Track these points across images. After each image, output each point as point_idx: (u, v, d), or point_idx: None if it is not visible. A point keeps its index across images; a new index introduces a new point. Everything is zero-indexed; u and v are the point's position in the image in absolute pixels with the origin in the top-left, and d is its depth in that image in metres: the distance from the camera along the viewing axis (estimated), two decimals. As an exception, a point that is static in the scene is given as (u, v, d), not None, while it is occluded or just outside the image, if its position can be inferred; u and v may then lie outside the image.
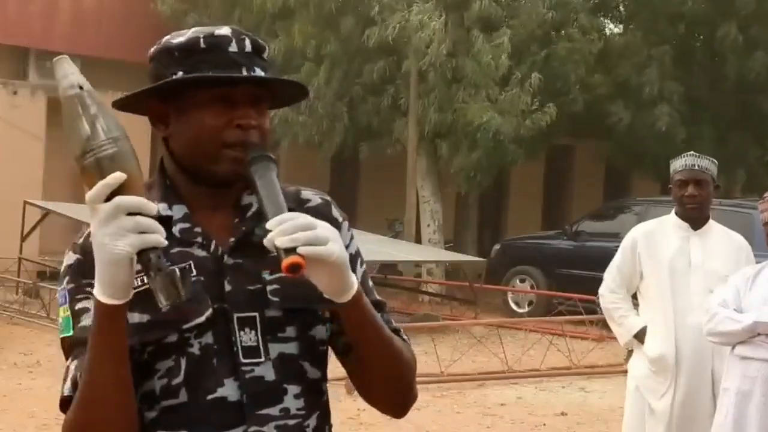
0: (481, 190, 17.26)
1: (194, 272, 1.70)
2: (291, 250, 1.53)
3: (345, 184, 19.21)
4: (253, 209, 1.76)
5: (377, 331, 1.70)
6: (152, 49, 1.76)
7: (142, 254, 1.52)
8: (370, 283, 1.84)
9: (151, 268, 1.52)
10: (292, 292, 1.71)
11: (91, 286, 1.62)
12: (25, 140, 16.10)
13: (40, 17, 16.66)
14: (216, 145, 1.70)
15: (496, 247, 15.97)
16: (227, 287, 1.71)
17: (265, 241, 1.55)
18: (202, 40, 1.72)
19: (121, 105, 1.77)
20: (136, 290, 1.64)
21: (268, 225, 1.56)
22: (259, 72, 1.73)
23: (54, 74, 1.58)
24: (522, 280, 15.01)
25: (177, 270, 1.54)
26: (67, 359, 1.70)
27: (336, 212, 1.82)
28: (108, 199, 1.51)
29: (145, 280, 1.60)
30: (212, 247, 1.72)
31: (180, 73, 1.70)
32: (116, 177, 1.51)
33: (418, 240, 16.31)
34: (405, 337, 1.81)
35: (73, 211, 13.27)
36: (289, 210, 1.61)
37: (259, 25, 15.75)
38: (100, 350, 1.58)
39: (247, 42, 1.74)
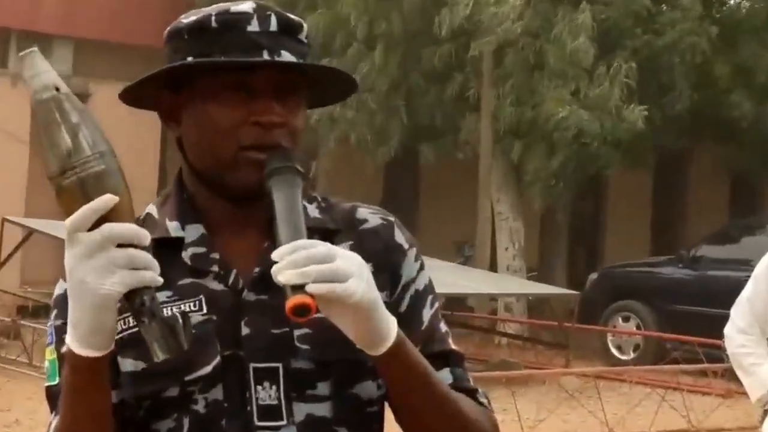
0: (564, 203, 17.17)
1: (205, 309, 1.71)
2: (299, 288, 1.53)
3: (401, 196, 19.20)
4: None
5: (426, 393, 1.69)
6: (165, 32, 1.80)
7: (134, 295, 1.53)
8: (443, 327, 1.83)
9: (145, 313, 1.52)
10: (327, 338, 1.70)
11: None
12: (3, 142, 16.30)
13: (25, -9, 16.90)
14: (231, 148, 1.71)
15: (593, 276, 15.99)
16: (244, 330, 1.71)
17: (272, 275, 1.56)
18: (213, 18, 1.74)
19: (127, 98, 1.80)
20: (128, 331, 1.67)
21: (275, 254, 1.55)
22: (287, 56, 1.73)
23: (26, 70, 1.57)
24: (626, 319, 14.97)
25: (179, 316, 1.55)
26: (51, 412, 1.72)
27: (400, 237, 1.83)
28: (93, 227, 1.52)
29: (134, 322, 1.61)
30: (231, 279, 1.73)
31: (190, 59, 1.73)
32: (106, 200, 1.52)
33: (493, 267, 16.33)
34: (484, 400, 1.80)
35: (62, 231, 13.38)
36: (311, 236, 1.61)
37: (296, -3, 15.87)
38: (77, 411, 1.61)
39: (273, 19, 1.75)
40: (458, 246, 18.05)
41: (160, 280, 1.54)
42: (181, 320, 1.54)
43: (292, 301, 1.52)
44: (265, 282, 1.70)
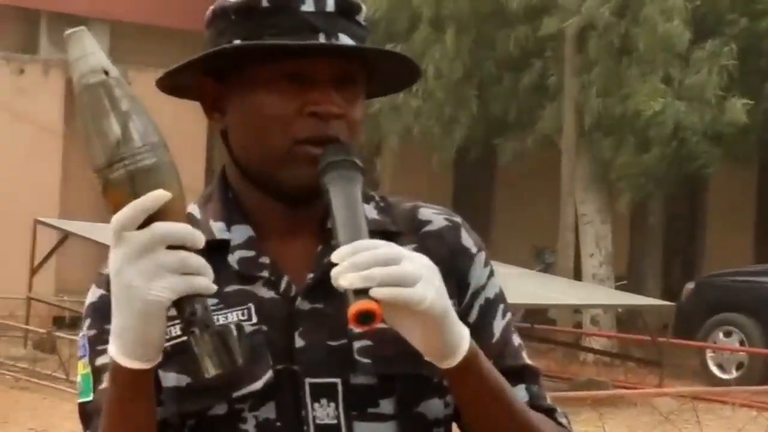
0: (656, 204, 17.04)
1: (254, 319, 1.72)
2: (362, 293, 1.52)
3: (474, 197, 19.19)
4: None
5: (501, 412, 1.69)
6: (208, 12, 1.79)
7: (184, 304, 1.53)
8: (516, 340, 1.84)
9: (196, 323, 1.52)
10: (391, 351, 1.71)
11: None
12: (35, 136, 16.43)
13: (56, -30, 17.04)
14: (285, 142, 1.71)
15: (690, 286, 15.93)
16: (298, 342, 1.72)
17: (332, 278, 1.55)
18: None
19: (166, 86, 1.80)
20: (171, 342, 1.67)
21: (335, 256, 1.55)
22: (345, 40, 1.73)
23: (72, 52, 1.58)
24: (727, 334, 14.96)
25: (233, 327, 1.56)
26: None
27: (467, 240, 1.83)
28: (142, 226, 1.52)
29: (178, 332, 1.64)
30: (283, 285, 1.74)
31: (237, 42, 1.73)
32: (157, 196, 1.52)
33: (577, 276, 16.36)
34: (564, 420, 1.81)
35: (101, 234, 13.51)
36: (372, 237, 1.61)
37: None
38: (120, 429, 1.62)
39: None
40: (538, 251, 18.06)
41: (214, 287, 1.54)
42: (235, 332, 1.54)
43: (356, 306, 1.51)
44: (320, 289, 1.72)
